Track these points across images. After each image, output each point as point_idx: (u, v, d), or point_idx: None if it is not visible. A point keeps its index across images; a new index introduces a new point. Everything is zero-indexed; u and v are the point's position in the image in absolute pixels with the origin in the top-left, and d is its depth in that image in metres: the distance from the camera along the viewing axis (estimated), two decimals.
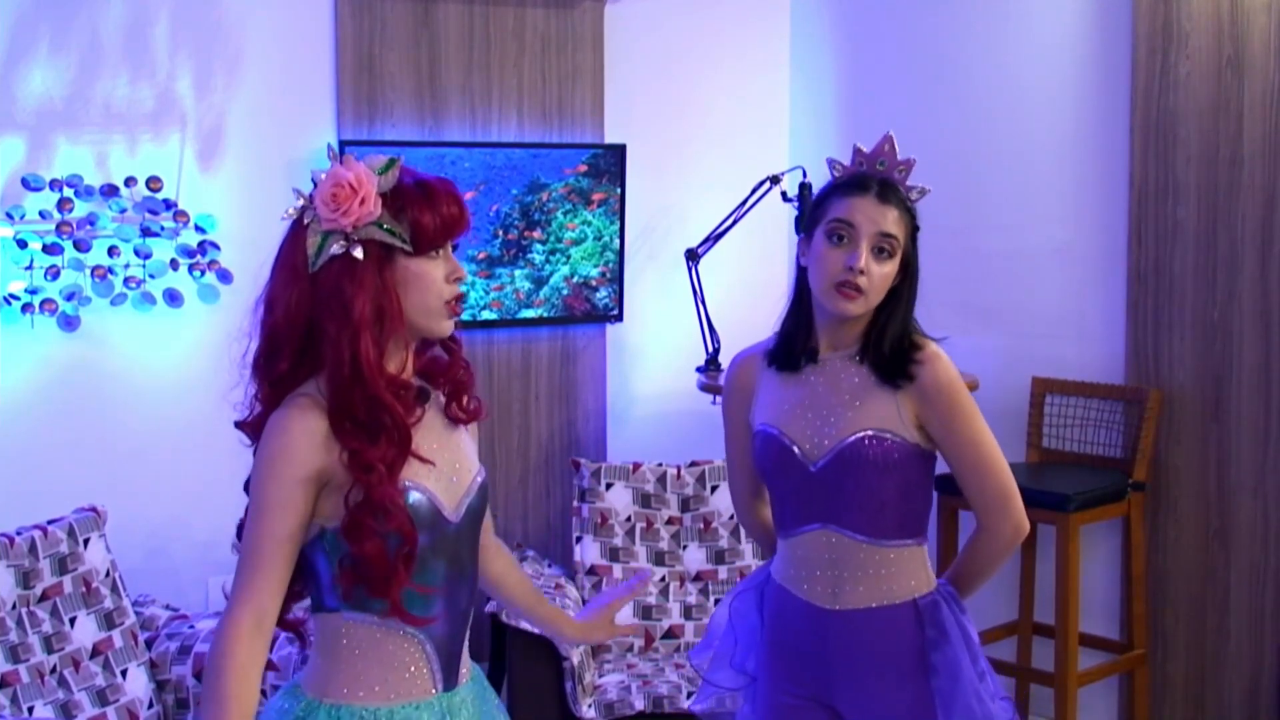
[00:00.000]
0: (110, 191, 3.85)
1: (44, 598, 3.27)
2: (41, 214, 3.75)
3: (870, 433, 2.33)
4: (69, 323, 3.78)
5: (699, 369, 4.49)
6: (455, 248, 2.00)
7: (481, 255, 4.39)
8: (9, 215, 3.71)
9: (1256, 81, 3.77)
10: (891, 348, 2.35)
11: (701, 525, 4.28)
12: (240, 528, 1.98)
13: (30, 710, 3.12)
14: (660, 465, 4.34)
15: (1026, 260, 4.34)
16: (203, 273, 3.94)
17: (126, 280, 3.85)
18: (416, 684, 1.99)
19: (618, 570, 4.20)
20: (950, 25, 4.51)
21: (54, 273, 3.74)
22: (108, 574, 3.43)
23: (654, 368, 4.80)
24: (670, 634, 4.17)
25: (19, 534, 3.28)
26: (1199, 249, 3.91)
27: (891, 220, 2.33)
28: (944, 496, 3.83)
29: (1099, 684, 4.03)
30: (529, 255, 4.47)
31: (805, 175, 4.23)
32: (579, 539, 4.26)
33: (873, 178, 2.36)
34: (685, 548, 4.27)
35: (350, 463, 1.88)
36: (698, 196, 4.73)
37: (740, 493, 2.63)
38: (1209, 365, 3.90)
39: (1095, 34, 4.15)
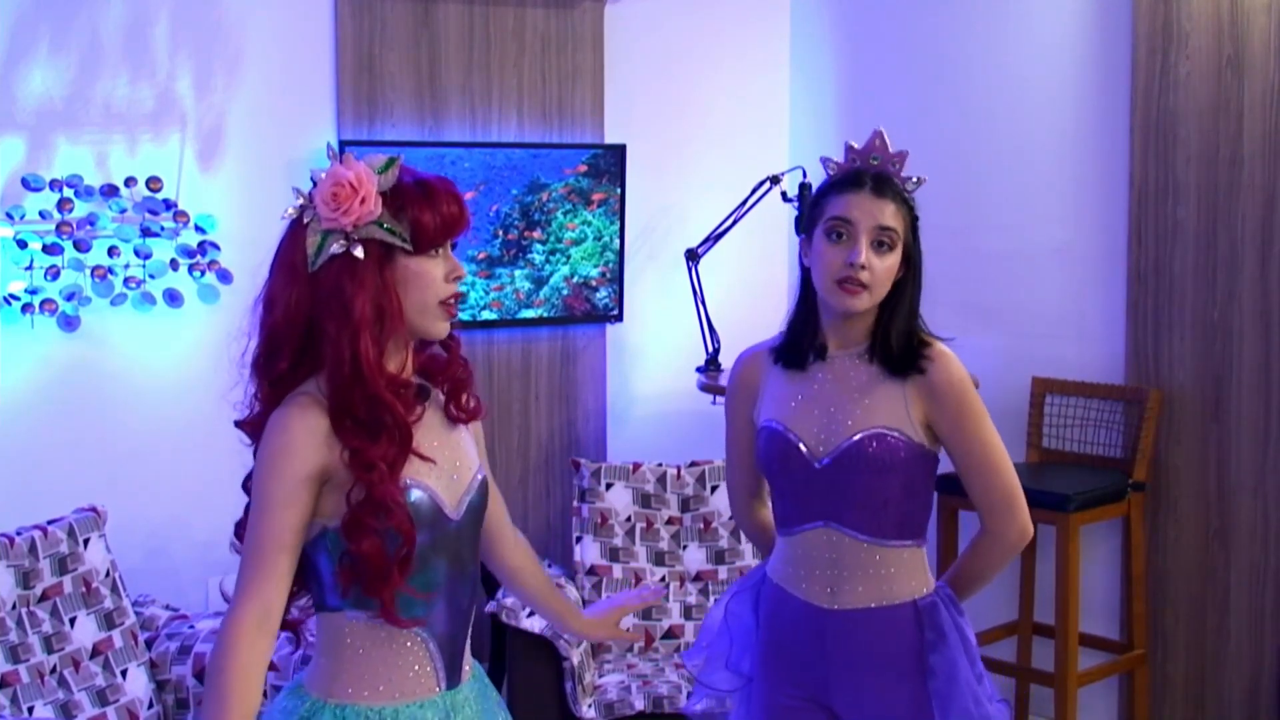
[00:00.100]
0: (110, 192, 3.85)
1: (44, 598, 3.27)
2: (41, 214, 3.75)
3: (877, 431, 2.33)
4: (69, 323, 3.77)
5: (699, 369, 4.49)
6: (455, 247, 2.00)
7: (481, 255, 4.39)
8: (9, 215, 3.71)
9: (1256, 81, 3.77)
10: (899, 342, 2.35)
11: (701, 525, 4.28)
12: (239, 527, 1.98)
13: (30, 710, 3.12)
14: (660, 465, 4.34)
15: (1026, 260, 4.34)
16: (203, 273, 3.94)
17: (126, 280, 3.84)
18: (420, 682, 1.99)
19: (618, 570, 4.20)
20: (950, 25, 4.51)
21: (54, 273, 3.74)
22: (108, 574, 3.42)
23: (654, 368, 4.80)
24: (670, 634, 4.17)
25: (19, 534, 3.28)
26: (1199, 249, 3.91)
27: (889, 213, 2.33)
28: (944, 497, 3.82)
29: (1099, 684, 4.03)
30: (529, 255, 4.46)
31: (805, 175, 4.22)
32: (579, 539, 4.25)
33: (867, 173, 2.36)
34: (685, 548, 4.27)
35: (351, 461, 1.88)
36: (698, 196, 4.73)
37: (739, 492, 2.62)
38: (1209, 365, 3.90)
39: (1095, 34, 4.15)
